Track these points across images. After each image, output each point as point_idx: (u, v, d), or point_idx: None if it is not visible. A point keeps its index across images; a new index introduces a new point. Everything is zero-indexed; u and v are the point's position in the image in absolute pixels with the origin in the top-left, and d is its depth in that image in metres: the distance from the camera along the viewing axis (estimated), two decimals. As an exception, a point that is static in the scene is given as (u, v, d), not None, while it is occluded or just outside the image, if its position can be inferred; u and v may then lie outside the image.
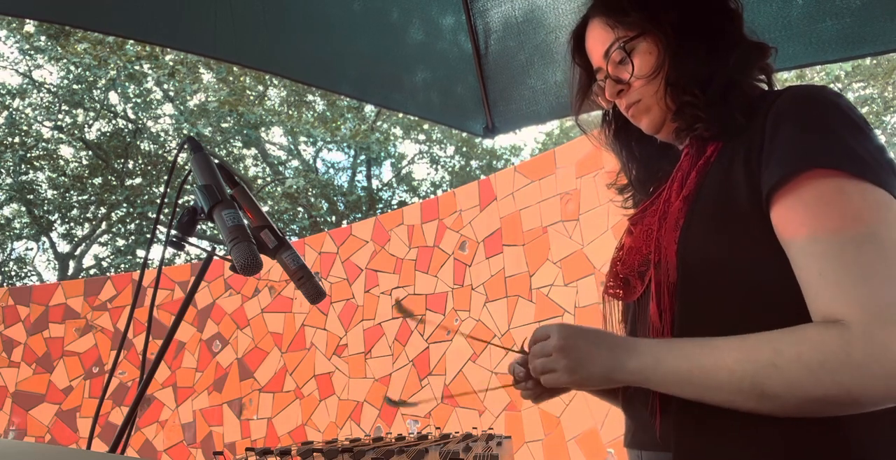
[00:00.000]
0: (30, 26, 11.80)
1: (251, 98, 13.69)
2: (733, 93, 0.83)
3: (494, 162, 14.62)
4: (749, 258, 0.76)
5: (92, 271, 13.94)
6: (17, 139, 12.26)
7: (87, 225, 13.76)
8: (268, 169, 14.72)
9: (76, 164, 13.42)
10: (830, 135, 0.73)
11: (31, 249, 14.56)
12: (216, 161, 1.11)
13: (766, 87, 0.88)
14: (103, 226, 13.67)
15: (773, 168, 0.73)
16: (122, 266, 13.27)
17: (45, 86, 12.71)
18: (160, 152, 13.31)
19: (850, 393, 0.65)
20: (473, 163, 14.91)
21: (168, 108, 13.48)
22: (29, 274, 14.41)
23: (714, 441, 0.75)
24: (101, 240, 14.04)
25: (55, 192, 13.08)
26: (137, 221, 13.14)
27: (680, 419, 0.77)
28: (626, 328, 0.93)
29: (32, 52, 12.22)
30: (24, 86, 12.55)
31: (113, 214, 13.40)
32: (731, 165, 0.79)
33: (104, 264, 13.93)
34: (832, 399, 0.66)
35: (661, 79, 0.87)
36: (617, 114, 1.01)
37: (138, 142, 13.31)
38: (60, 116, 12.77)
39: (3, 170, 12.28)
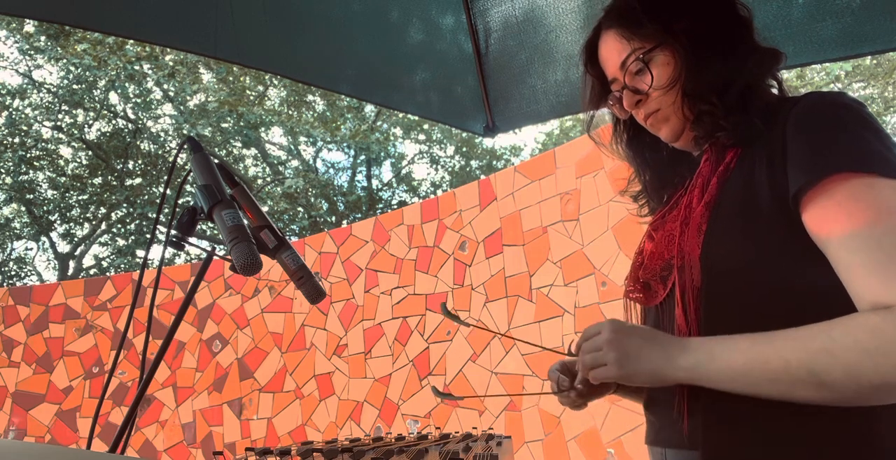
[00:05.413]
0: (30, 26, 11.79)
1: (251, 98, 13.68)
2: (752, 99, 0.83)
3: (494, 162, 14.61)
4: (773, 260, 0.77)
5: (92, 271, 13.94)
6: (17, 139, 12.25)
7: (87, 225, 13.76)
8: (268, 169, 14.72)
9: (76, 164, 13.41)
10: (857, 138, 0.74)
11: (31, 249, 14.56)
12: (216, 161, 1.11)
13: (776, 93, 0.89)
14: (103, 226, 13.66)
15: (801, 170, 0.74)
16: (122, 266, 13.27)
17: (45, 86, 12.71)
18: (160, 152, 13.31)
19: None
20: (473, 163, 14.90)
21: (168, 109, 13.48)
22: (29, 274, 14.41)
23: (742, 438, 0.75)
24: (101, 240, 14.04)
25: (55, 192, 13.07)
26: (137, 221, 13.13)
27: (707, 417, 0.77)
28: None
29: (32, 52, 12.21)
30: (24, 86, 12.54)
31: (113, 214, 13.39)
32: (752, 171, 0.80)
33: (104, 264, 13.93)
34: (892, 384, 0.66)
35: (679, 88, 0.87)
36: (629, 122, 1.01)
37: (138, 143, 13.30)
38: (60, 116, 12.76)
39: (3, 170, 12.27)
